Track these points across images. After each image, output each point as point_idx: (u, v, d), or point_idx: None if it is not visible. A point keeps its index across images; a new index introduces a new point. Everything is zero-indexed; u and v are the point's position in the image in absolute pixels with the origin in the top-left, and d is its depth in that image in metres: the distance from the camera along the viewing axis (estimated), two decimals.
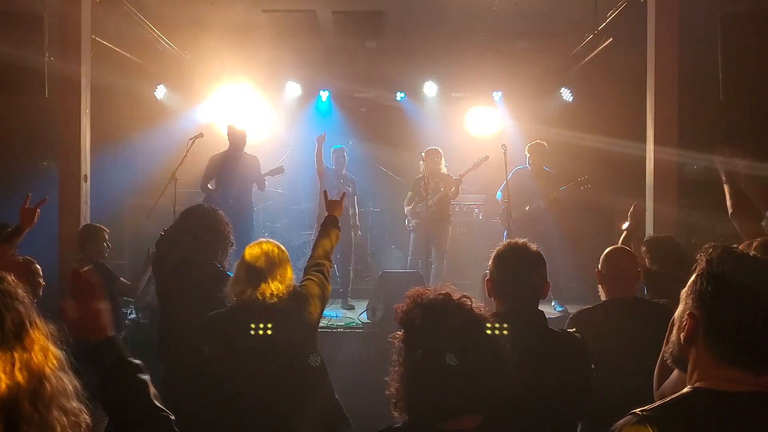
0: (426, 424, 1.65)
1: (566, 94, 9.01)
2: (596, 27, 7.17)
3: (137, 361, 1.73)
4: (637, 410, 1.40)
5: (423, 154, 7.70)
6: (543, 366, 2.33)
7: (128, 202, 7.66)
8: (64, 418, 1.27)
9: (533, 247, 2.55)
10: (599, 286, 3.26)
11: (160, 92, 8.80)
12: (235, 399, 2.80)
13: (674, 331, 1.51)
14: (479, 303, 1.78)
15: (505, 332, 1.81)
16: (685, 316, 1.46)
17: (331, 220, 3.54)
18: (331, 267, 3.39)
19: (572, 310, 3.28)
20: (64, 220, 5.50)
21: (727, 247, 1.49)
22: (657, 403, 1.42)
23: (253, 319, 2.87)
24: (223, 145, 7.00)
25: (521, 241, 2.57)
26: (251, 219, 7.28)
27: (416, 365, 1.66)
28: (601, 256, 3.27)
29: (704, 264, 1.45)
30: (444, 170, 7.70)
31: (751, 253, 1.58)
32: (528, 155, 7.33)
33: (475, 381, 1.63)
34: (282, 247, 3.09)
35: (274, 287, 2.93)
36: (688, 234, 4.35)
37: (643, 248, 4.23)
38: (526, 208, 7.17)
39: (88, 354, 1.70)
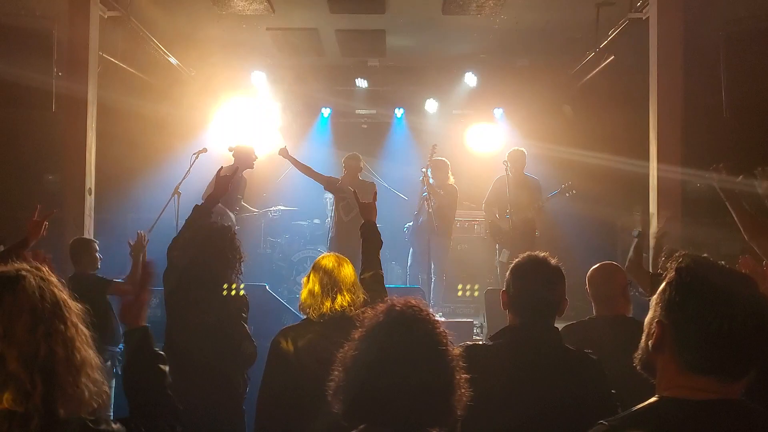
0: None
1: (566, 110, 9.04)
2: (597, 45, 7.23)
3: (161, 352, 1.98)
4: (604, 421, 1.43)
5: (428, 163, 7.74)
6: (551, 385, 2.27)
7: (131, 216, 7.67)
8: (91, 385, 1.50)
9: (553, 261, 2.48)
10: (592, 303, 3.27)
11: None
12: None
13: (643, 338, 1.53)
14: (442, 322, 1.77)
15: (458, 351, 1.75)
16: (654, 324, 1.48)
17: (369, 227, 3.46)
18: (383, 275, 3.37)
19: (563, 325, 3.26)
20: (68, 232, 5.50)
21: (697, 256, 1.51)
22: (623, 414, 1.44)
23: (341, 331, 2.86)
24: (227, 160, 6.99)
25: (541, 254, 2.50)
26: None
27: (365, 368, 1.65)
28: (587, 275, 3.29)
29: (674, 273, 1.47)
30: (451, 180, 7.71)
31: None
32: (508, 164, 7.22)
33: (423, 397, 1.61)
34: (345, 258, 3.10)
35: (348, 298, 2.95)
36: (692, 251, 4.34)
37: (662, 261, 4.22)
38: (509, 217, 7.08)
39: (123, 336, 1.98)
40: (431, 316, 1.73)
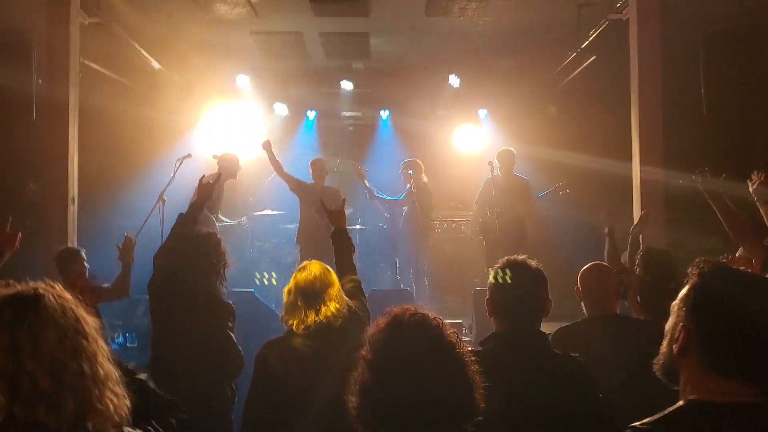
0: None
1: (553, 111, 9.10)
2: (579, 45, 7.28)
3: (132, 365, 2.05)
4: (636, 424, 1.45)
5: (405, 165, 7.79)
6: (538, 390, 2.26)
7: (115, 223, 7.59)
8: (114, 399, 1.55)
9: (533, 263, 2.47)
10: (582, 303, 3.26)
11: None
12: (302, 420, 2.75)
13: (665, 343, 1.55)
14: (451, 328, 1.74)
15: (471, 351, 1.74)
16: (678, 329, 1.51)
17: (339, 234, 3.38)
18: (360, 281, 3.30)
19: (553, 324, 3.22)
20: (52, 242, 5.44)
21: (718, 262, 1.55)
22: (653, 417, 1.46)
23: (328, 342, 2.80)
24: (212, 167, 6.94)
25: (520, 257, 2.49)
26: None
27: (385, 388, 1.62)
28: (578, 275, 3.27)
29: (696, 278, 1.51)
30: (424, 179, 7.76)
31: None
32: (497, 163, 7.25)
33: (448, 401, 1.61)
34: (328, 266, 2.99)
35: (333, 308, 2.84)
36: (675, 250, 4.40)
37: (638, 258, 4.27)
38: (497, 217, 7.08)
39: None
40: (436, 319, 1.71)
